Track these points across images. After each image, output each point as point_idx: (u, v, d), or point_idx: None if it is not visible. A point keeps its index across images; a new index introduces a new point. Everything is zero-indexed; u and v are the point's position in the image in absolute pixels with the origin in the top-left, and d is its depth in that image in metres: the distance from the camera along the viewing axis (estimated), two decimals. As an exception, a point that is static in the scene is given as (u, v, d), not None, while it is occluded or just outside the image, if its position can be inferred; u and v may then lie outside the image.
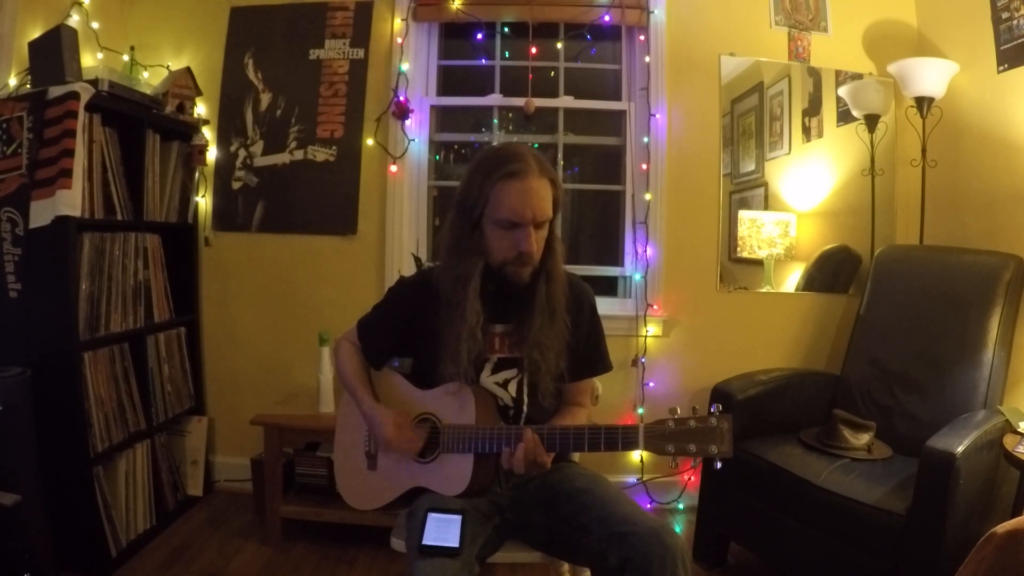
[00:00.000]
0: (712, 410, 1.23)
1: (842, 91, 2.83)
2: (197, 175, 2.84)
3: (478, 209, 1.37)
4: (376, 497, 1.50)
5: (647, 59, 2.80)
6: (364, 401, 1.49)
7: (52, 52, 2.12)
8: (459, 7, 2.80)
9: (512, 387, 1.48)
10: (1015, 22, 2.27)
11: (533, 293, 1.42)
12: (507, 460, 1.33)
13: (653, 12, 2.79)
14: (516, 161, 1.34)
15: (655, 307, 2.80)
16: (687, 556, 1.24)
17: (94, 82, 2.19)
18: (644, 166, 2.80)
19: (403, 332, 1.54)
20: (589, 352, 1.54)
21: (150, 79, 2.74)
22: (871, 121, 2.81)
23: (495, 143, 2.93)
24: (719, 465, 1.22)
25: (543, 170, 1.37)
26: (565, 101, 2.95)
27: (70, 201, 2.04)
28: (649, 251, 2.81)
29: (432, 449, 1.44)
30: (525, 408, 1.48)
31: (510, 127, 3.04)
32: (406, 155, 2.83)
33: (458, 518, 1.31)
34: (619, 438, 1.26)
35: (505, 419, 1.47)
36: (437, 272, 1.48)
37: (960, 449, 1.62)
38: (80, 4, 2.56)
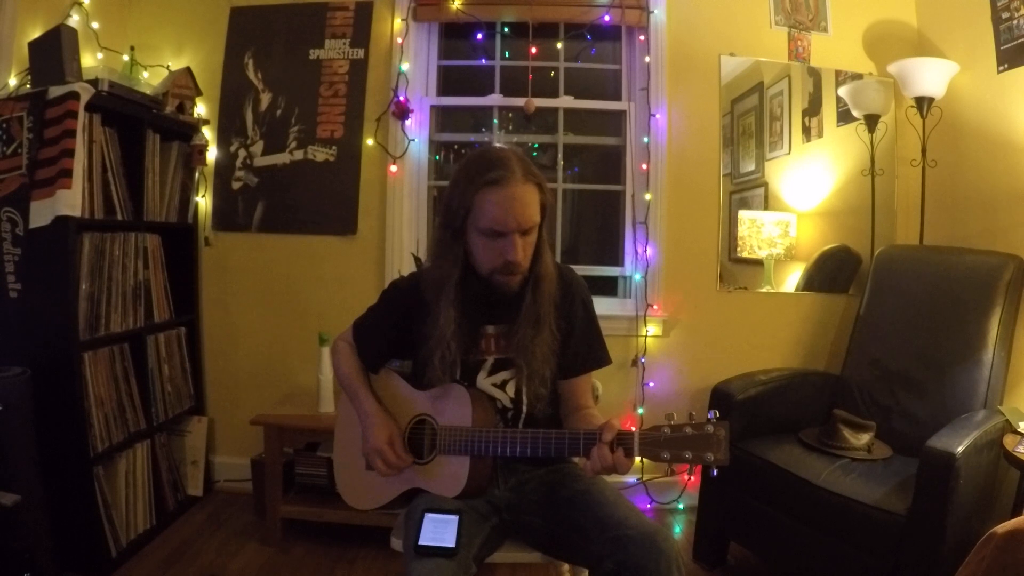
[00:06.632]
0: (710, 416, 1.20)
1: (842, 91, 2.83)
2: (197, 175, 2.84)
3: (460, 217, 1.34)
4: (374, 496, 1.49)
5: (647, 59, 2.80)
6: (364, 401, 1.49)
7: (52, 52, 2.12)
8: (459, 7, 2.80)
9: (510, 388, 1.47)
10: (1015, 22, 2.26)
11: (521, 297, 1.41)
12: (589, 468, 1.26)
13: (653, 12, 2.79)
14: (499, 167, 1.30)
15: (655, 307, 2.80)
16: (682, 561, 1.23)
17: (94, 82, 2.19)
18: (644, 166, 2.80)
19: (396, 335, 1.53)
20: (584, 347, 1.51)
21: (150, 79, 2.74)
22: (871, 121, 2.81)
23: (490, 144, 2.93)
24: (715, 472, 1.20)
25: (528, 175, 1.32)
26: (565, 101, 2.95)
27: (70, 201, 2.05)
28: (649, 251, 2.80)
29: (429, 450, 1.44)
30: (524, 408, 1.47)
31: (510, 127, 3.04)
32: (406, 155, 2.83)
33: (455, 518, 1.30)
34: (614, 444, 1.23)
35: (504, 421, 1.47)
36: (424, 277, 1.47)
37: (960, 449, 1.62)
38: (80, 4, 2.56)
